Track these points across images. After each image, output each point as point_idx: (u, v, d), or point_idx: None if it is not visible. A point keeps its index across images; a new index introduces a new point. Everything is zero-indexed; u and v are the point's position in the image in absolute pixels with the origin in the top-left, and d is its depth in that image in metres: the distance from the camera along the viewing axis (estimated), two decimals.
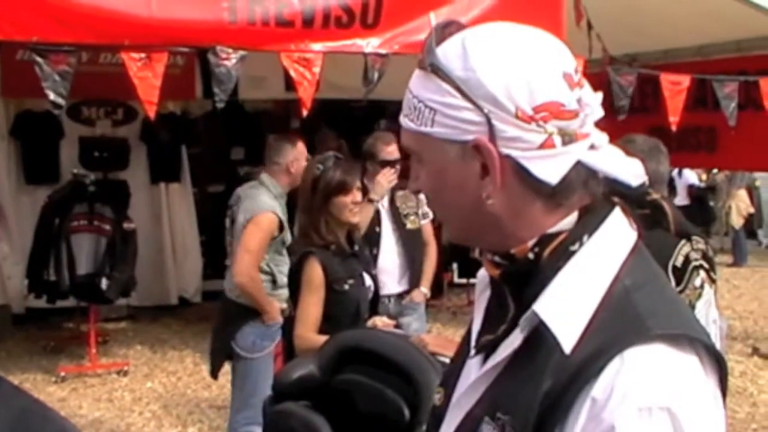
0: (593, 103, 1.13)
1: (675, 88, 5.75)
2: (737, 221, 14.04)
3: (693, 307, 3.02)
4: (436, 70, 1.10)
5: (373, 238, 5.10)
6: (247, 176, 8.55)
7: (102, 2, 4.21)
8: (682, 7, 6.56)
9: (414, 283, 5.31)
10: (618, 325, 1.03)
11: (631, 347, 1.00)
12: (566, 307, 1.06)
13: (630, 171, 1.14)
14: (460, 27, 1.14)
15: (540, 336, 1.06)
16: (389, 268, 5.21)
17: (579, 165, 1.10)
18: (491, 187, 1.10)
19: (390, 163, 5.10)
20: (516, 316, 1.10)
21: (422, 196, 5.08)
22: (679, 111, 5.71)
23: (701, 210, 14.24)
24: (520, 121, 1.06)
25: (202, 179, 9.75)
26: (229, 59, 4.42)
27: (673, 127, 5.74)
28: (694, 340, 1.04)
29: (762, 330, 9.18)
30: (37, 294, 7.80)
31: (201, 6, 4.41)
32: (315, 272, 3.65)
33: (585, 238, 1.10)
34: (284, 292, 4.82)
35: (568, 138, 1.08)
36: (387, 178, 5.06)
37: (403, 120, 1.15)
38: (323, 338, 3.36)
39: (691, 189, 14.57)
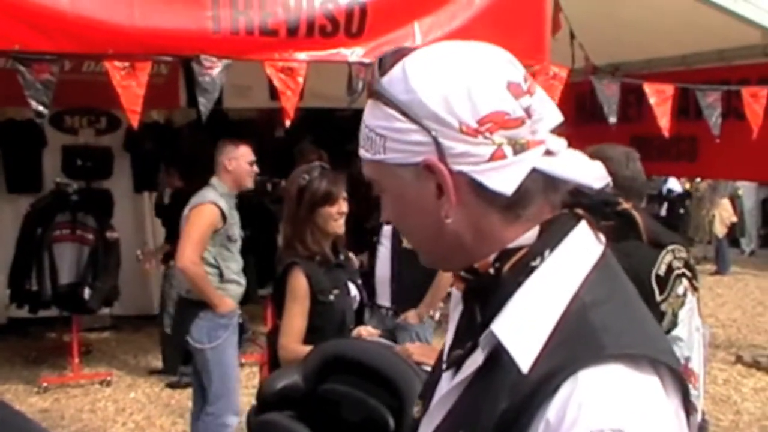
0: (544, 109, 1.12)
1: (661, 96, 5.78)
2: (720, 230, 14.12)
3: (676, 315, 3.04)
4: (381, 97, 1.11)
5: (372, 246, 5.23)
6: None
7: (85, 11, 4.19)
8: (664, 17, 6.60)
9: (395, 300, 5.32)
10: (573, 344, 1.01)
11: (585, 368, 0.98)
12: (523, 326, 1.04)
13: (591, 174, 1.14)
14: (408, 53, 1.13)
15: (499, 355, 1.05)
16: (383, 280, 5.27)
17: (535, 173, 1.08)
18: (448, 205, 1.10)
19: None
20: (481, 333, 1.09)
21: None
22: (668, 118, 5.74)
23: (677, 217, 14.34)
24: (465, 135, 1.06)
25: (185, 188, 9.70)
26: (213, 68, 4.41)
27: (665, 133, 5.74)
28: (653, 359, 1.02)
29: (745, 338, 9.24)
30: (19, 304, 7.73)
31: (184, 15, 4.39)
32: (299, 283, 3.64)
33: (546, 253, 1.09)
34: (233, 288, 4.96)
35: (519, 147, 1.07)
36: None
37: (361, 152, 1.16)
38: (307, 348, 3.35)
39: (669, 195, 14.66)
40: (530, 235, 1.10)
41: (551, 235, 1.10)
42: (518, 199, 1.08)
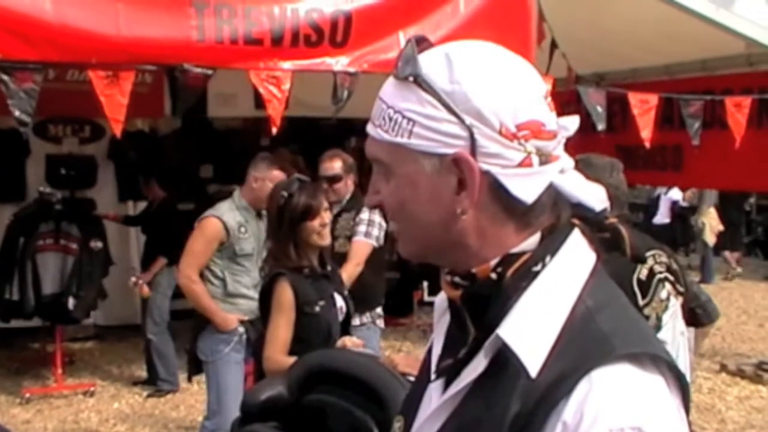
0: (569, 125, 1.14)
1: (644, 106, 5.81)
2: (710, 239, 14.14)
3: (660, 319, 3.05)
4: (419, 81, 1.08)
5: None
6: (217, 194, 8.52)
7: (69, 20, 4.18)
8: (648, 28, 6.65)
9: None
10: (583, 346, 1.03)
11: (598, 368, 1.00)
12: (530, 330, 1.05)
13: (594, 196, 1.15)
14: (431, 44, 1.13)
15: (504, 360, 1.05)
16: None
17: (551, 187, 1.10)
18: (467, 202, 1.08)
19: (328, 179, 5.12)
20: (478, 340, 1.09)
21: (368, 215, 5.08)
22: (650, 128, 5.77)
23: (683, 228, 14.31)
24: (503, 137, 1.06)
25: (170, 198, 9.68)
26: (197, 77, 4.40)
27: (647, 144, 5.78)
28: (657, 358, 1.05)
29: (730, 347, 9.28)
30: (3, 316, 7.64)
31: (169, 24, 4.39)
32: (285, 294, 3.63)
33: (548, 258, 1.10)
34: (242, 302, 4.89)
35: (544, 158, 1.08)
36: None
37: (375, 130, 1.12)
38: (292, 359, 3.33)
39: (674, 207, 14.60)
40: (532, 241, 1.11)
41: (552, 242, 1.11)
42: (533, 209, 1.09)
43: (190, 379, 5.29)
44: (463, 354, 1.11)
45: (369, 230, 5.10)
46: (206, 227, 4.90)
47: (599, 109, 5.58)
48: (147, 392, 7.35)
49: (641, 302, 3.02)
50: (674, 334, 3.10)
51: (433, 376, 1.18)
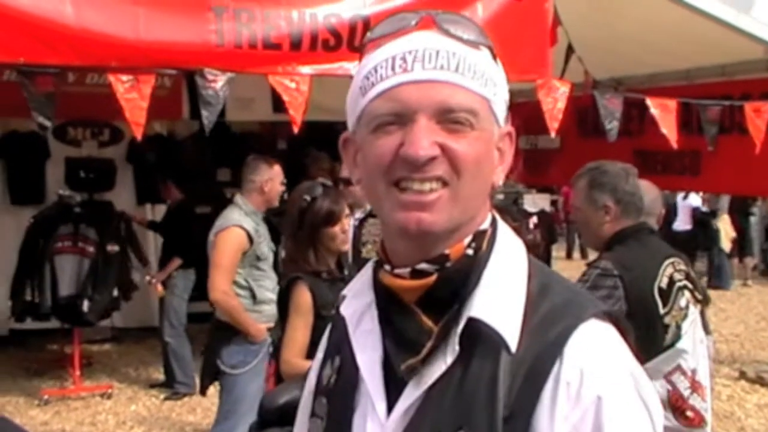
0: None
1: (664, 110, 5.78)
2: (726, 244, 14.04)
3: (680, 327, 3.03)
4: (493, 53, 1.14)
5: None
6: (234, 197, 8.55)
7: (89, 24, 4.21)
8: (667, 32, 6.62)
9: None
10: (553, 315, 1.07)
11: (576, 330, 1.05)
12: (501, 307, 1.08)
13: None
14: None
15: (476, 344, 1.06)
16: None
17: None
18: (502, 175, 1.16)
19: (345, 181, 5.10)
20: (445, 329, 1.08)
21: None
22: (674, 130, 5.73)
23: (704, 234, 14.17)
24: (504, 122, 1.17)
25: (188, 200, 9.73)
26: (216, 81, 4.42)
27: (674, 145, 5.73)
28: (606, 314, 1.11)
29: (749, 353, 9.20)
30: (19, 317, 7.69)
31: (188, 29, 4.41)
32: (303, 297, 3.63)
33: (497, 236, 1.15)
34: (267, 308, 4.84)
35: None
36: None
37: (456, 76, 1.08)
38: (310, 363, 3.33)
39: (695, 213, 14.47)
40: (489, 217, 1.16)
41: (495, 220, 1.17)
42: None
43: (203, 392, 5.22)
44: (429, 348, 1.08)
45: None
46: (231, 238, 4.83)
47: (614, 115, 5.55)
48: (164, 395, 7.38)
49: (662, 310, 3.00)
50: (694, 341, 3.08)
51: (403, 375, 1.11)
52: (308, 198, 3.77)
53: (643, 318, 2.96)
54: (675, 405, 2.99)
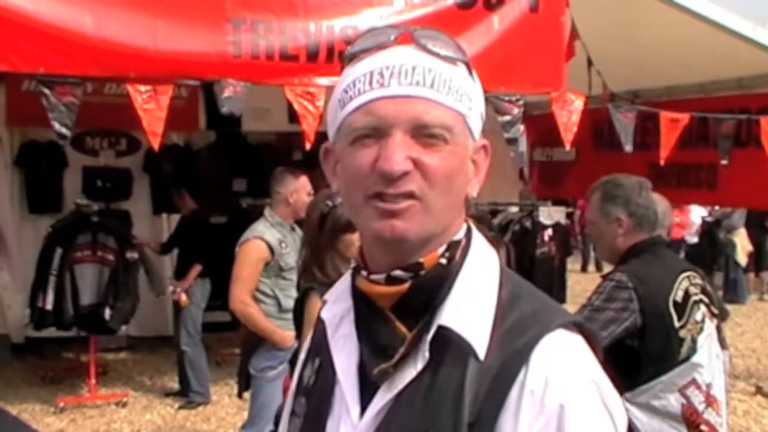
0: None
1: (673, 124, 5.78)
2: (742, 258, 13.95)
3: (695, 341, 3.01)
4: (469, 68, 1.17)
5: None
6: (250, 208, 8.58)
7: (108, 35, 4.26)
8: (684, 45, 6.61)
9: None
10: (522, 324, 1.10)
11: (543, 339, 1.08)
12: (471, 315, 1.11)
13: None
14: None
15: (446, 351, 1.09)
16: None
17: None
18: (477, 187, 1.19)
19: None
20: (416, 337, 1.12)
21: None
22: (670, 147, 5.74)
23: (711, 245, 14.06)
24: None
25: (202, 210, 9.78)
26: (235, 90, 4.45)
27: (661, 162, 5.76)
28: (574, 324, 1.14)
29: (765, 368, 9.13)
30: (38, 325, 7.72)
31: (206, 40, 4.45)
32: (315, 308, 3.60)
33: (471, 246, 1.18)
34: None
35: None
36: None
37: (431, 92, 1.11)
38: None
39: (703, 224, 14.34)
40: (464, 228, 1.19)
41: (469, 231, 1.20)
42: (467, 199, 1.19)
43: (240, 395, 5.31)
44: (400, 354, 1.11)
45: None
46: (251, 250, 4.91)
47: (628, 129, 5.55)
48: (179, 404, 7.40)
49: (677, 324, 2.99)
50: (710, 356, 3.06)
51: (377, 380, 1.14)
52: (330, 203, 3.78)
53: (658, 331, 2.95)
54: (689, 419, 2.97)
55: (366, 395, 1.15)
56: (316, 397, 1.23)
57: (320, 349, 1.26)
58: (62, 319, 7.31)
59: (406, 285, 1.13)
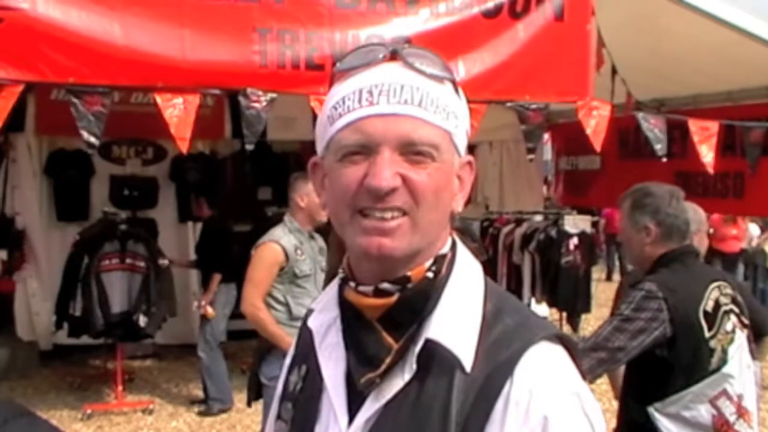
0: None
1: (704, 133, 5.73)
2: None
3: (725, 352, 2.98)
4: (456, 87, 1.20)
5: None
6: (275, 216, 8.59)
7: (137, 45, 4.30)
8: (710, 53, 6.57)
9: None
10: (506, 337, 1.13)
11: (527, 351, 1.11)
12: (457, 328, 1.13)
13: None
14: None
15: (433, 363, 1.12)
16: None
17: None
18: (462, 202, 1.21)
19: None
20: (402, 348, 1.14)
21: None
22: (713, 154, 5.68)
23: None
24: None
25: (219, 217, 9.83)
26: (259, 101, 4.48)
27: (710, 169, 5.69)
28: (557, 336, 1.17)
29: None
30: (72, 332, 7.74)
31: (232, 49, 4.49)
32: None
33: (456, 260, 1.20)
34: None
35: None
36: None
37: (419, 110, 1.13)
38: None
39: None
40: (449, 243, 1.22)
41: (454, 245, 1.23)
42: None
43: (249, 404, 5.29)
44: (386, 365, 1.13)
45: None
46: (265, 253, 4.89)
47: (659, 134, 5.52)
48: (198, 410, 7.43)
49: (707, 334, 2.96)
50: (741, 367, 3.03)
51: (364, 389, 1.15)
52: None
53: (688, 341, 2.92)
54: (720, 430, 2.94)
55: (354, 404, 1.17)
56: (304, 403, 1.26)
57: (307, 356, 1.29)
58: (93, 327, 7.33)
59: (394, 298, 1.16)
